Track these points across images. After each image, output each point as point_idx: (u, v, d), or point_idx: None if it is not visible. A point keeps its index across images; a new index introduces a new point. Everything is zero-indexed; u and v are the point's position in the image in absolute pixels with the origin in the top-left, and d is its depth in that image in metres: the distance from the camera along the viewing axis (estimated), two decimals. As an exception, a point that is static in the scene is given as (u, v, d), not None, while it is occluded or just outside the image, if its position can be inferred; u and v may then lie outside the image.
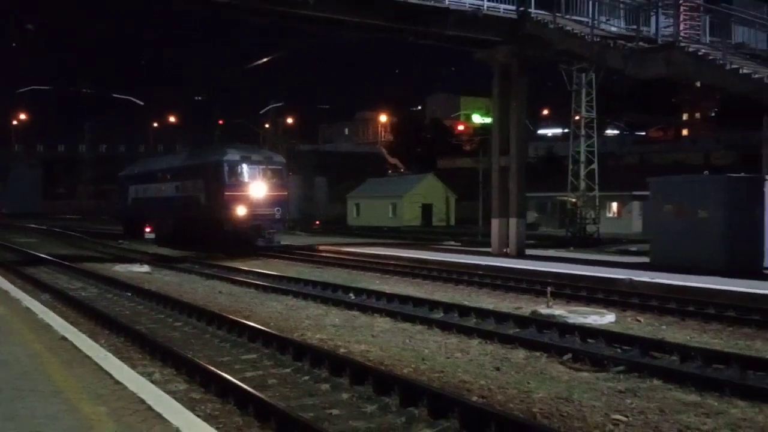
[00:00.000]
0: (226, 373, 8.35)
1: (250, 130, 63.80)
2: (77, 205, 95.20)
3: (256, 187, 28.45)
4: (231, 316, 12.36)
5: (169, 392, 6.76)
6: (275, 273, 20.23)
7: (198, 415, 5.91)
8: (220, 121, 55.46)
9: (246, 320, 12.00)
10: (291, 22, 24.71)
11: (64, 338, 8.77)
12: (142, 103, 62.58)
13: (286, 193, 30.47)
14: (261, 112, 66.85)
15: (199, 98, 74.48)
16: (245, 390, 7.37)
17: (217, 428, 5.69)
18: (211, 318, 12.47)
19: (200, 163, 31.25)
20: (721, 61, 18.75)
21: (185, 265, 23.75)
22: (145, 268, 22.43)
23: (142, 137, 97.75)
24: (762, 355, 9.38)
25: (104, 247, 34.54)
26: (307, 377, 8.60)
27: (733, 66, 18.52)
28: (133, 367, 7.82)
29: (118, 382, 6.59)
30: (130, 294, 16.44)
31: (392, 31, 24.65)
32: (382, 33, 25.36)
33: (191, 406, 6.70)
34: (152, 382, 7.15)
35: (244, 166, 28.70)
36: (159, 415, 5.52)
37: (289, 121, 74.17)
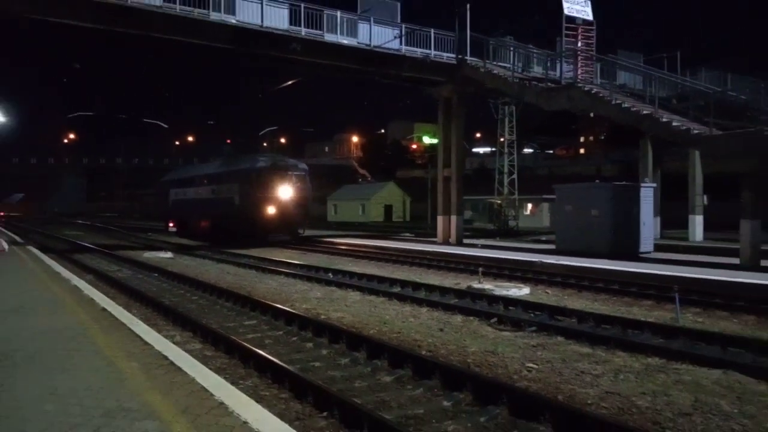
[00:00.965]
0: (232, 335, 8.28)
1: (252, 148, 63.04)
2: (115, 206, 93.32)
3: (284, 191, 26.08)
4: (236, 291, 12.24)
5: (187, 351, 6.66)
6: (271, 258, 20.05)
7: (210, 368, 5.83)
8: (228, 140, 54.66)
9: (248, 294, 11.91)
10: (282, 64, 24.47)
11: (104, 309, 8.62)
12: (166, 126, 61.44)
13: (308, 194, 27.71)
14: (260, 133, 66.00)
15: (212, 122, 73.28)
16: (247, 348, 7.31)
17: (225, 378, 5.63)
18: (220, 293, 12.31)
19: (235, 169, 28.28)
20: (608, 98, 19.07)
21: (201, 252, 23.37)
22: (169, 254, 22.07)
23: (167, 152, 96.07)
24: (638, 318, 9.53)
25: (136, 238, 33.93)
26: (295, 338, 8.55)
27: (618, 101, 18.85)
28: (158, 331, 7.69)
29: (146, 343, 6.50)
30: (156, 275, 16.16)
31: (362, 72, 24.58)
32: (354, 74, 25.26)
33: (204, 361, 6.61)
34: (174, 343, 7.04)
35: (273, 173, 26.31)
36: (179, 369, 5.47)
37: (282, 140, 73.40)
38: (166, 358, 5.85)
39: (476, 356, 7.37)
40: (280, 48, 21.01)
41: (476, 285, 12.80)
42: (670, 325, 8.83)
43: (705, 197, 26.10)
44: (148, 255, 21.52)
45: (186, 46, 20.93)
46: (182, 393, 4.78)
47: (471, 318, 9.85)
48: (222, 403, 4.51)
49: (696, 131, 16.42)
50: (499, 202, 34.94)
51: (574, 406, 5.47)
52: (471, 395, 5.78)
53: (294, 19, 20.50)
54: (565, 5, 20.46)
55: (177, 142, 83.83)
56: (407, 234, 34.71)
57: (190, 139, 75.04)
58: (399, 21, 22.82)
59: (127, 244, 29.51)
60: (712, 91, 18.51)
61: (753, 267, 14.70)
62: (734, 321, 9.69)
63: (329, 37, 21.19)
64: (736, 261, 15.53)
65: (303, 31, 20.62)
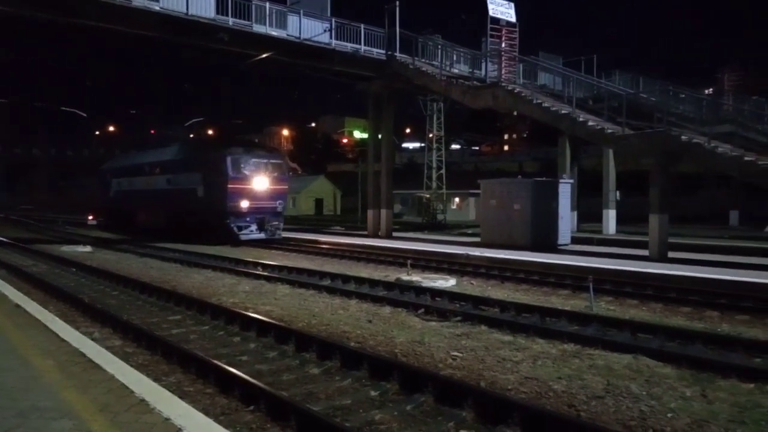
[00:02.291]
0: (155, 330, 7.98)
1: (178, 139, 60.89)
2: (33, 198, 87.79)
3: (259, 181, 22.47)
4: (160, 286, 11.80)
5: (106, 347, 6.37)
6: (198, 251, 19.45)
7: (131, 365, 5.60)
8: (152, 131, 52.21)
9: (172, 289, 11.50)
10: (210, 55, 23.78)
11: (18, 306, 8.12)
12: (85, 115, 58.20)
13: (286, 187, 24.01)
14: (186, 124, 63.73)
15: (134, 111, 69.93)
16: (170, 343, 7.07)
17: (146, 374, 5.41)
18: (143, 288, 11.82)
19: (198, 156, 24.32)
20: (530, 98, 19.69)
21: (123, 246, 22.33)
22: (88, 248, 20.98)
23: (87, 143, 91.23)
24: (556, 307, 9.87)
25: (53, 231, 32.08)
26: (222, 332, 8.34)
27: (539, 101, 19.49)
28: (76, 328, 7.31)
29: (63, 340, 6.18)
30: (74, 269, 15.32)
31: (292, 65, 24.23)
32: (284, 66, 24.86)
33: (125, 358, 6.34)
34: (92, 339, 6.71)
35: (247, 160, 22.54)
36: (97, 366, 5.23)
37: (210, 132, 71.27)
38: (83, 355, 5.57)
39: (403, 346, 7.43)
40: (207, 37, 20.38)
41: (405, 277, 12.93)
42: (585, 313, 9.22)
43: (618, 193, 27.47)
44: (66, 249, 20.39)
45: (112, 33, 19.97)
46: (101, 390, 4.57)
47: (399, 309, 9.92)
48: (143, 400, 4.34)
49: (610, 131, 17.22)
50: (427, 196, 35.45)
51: (495, 391, 5.63)
52: (398, 384, 5.83)
53: (221, 9, 19.92)
54: (490, 7, 20.93)
55: (97, 132, 79.86)
56: (338, 227, 34.61)
57: (112, 129, 71.61)
58: (329, 15, 22.65)
59: (44, 237, 27.81)
60: (625, 93, 19.47)
61: (661, 258, 15.61)
62: (643, 309, 10.23)
63: (258, 28, 20.72)
64: (645, 253, 16.43)
65: (230, 20, 20.07)
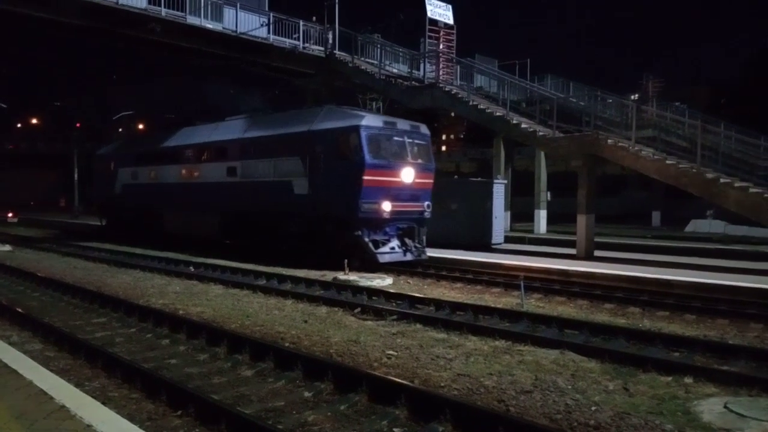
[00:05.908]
0: (78, 333, 7.64)
1: (106, 133, 58.42)
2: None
3: (405, 171, 14.85)
4: (84, 287, 11.29)
5: (25, 352, 6.06)
6: (126, 250, 18.72)
7: (51, 370, 5.36)
8: (78, 124, 49.64)
9: (97, 290, 11.03)
10: (141, 47, 22.90)
11: None
12: (5, 106, 54.81)
13: (432, 180, 15.87)
14: (114, 117, 60.90)
15: (58, 104, 66.18)
16: (94, 347, 6.79)
17: (68, 380, 5.18)
18: (66, 289, 11.28)
19: (300, 132, 15.75)
20: (466, 99, 20.08)
21: (45, 245, 21.22)
22: (7, 247, 19.82)
23: (8, 136, 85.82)
24: (488, 304, 10.11)
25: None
26: (150, 335, 8.07)
27: (474, 102, 19.90)
28: (-9, 332, 6.91)
29: (-25, 346, 5.81)
30: (-9, 270, 14.47)
31: (228, 59, 23.67)
32: (219, 60, 24.23)
33: (45, 362, 6.05)
34: (10, 344, 6.36)
35: (389, 137, 14.84)
36: (14, 371, 4.97)
37: (141, 126, 68.59)
38: (-1, 360, 5.27)
39: (339, 346, 7.43)
40: (138, 28, 19.65)
41: (342, 276, 12.91)
42: (516, 310, 9.49)
43: (548, 193, 28.36)
44: (-19, 248, 19.22)
45: (34, 20, 18.88)
46: (18, 397, 4.34)
47: (336, 309, 9.91)
48: (63, 407, 4.16)
49: (541, 133, 17.79)
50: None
51: (428, 389, 5.71)
52: (332, 384, 5.82)
53: (154, -2, 19.27)
54: (429, 8, 21.21)
55: (19, 125, 75.39)
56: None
57: (35, 121, 67.79)
58: (267, 9, 22.33)
59: (-45, 236, 26.05)
60: (556, 97, 20.16)
61: (587, 256, 16.27)
62: (571, 305, 10.64)
63: (192, 20, 20.16)
64: (573, 251, 17.07)
65: (163, 11, 19.43)
